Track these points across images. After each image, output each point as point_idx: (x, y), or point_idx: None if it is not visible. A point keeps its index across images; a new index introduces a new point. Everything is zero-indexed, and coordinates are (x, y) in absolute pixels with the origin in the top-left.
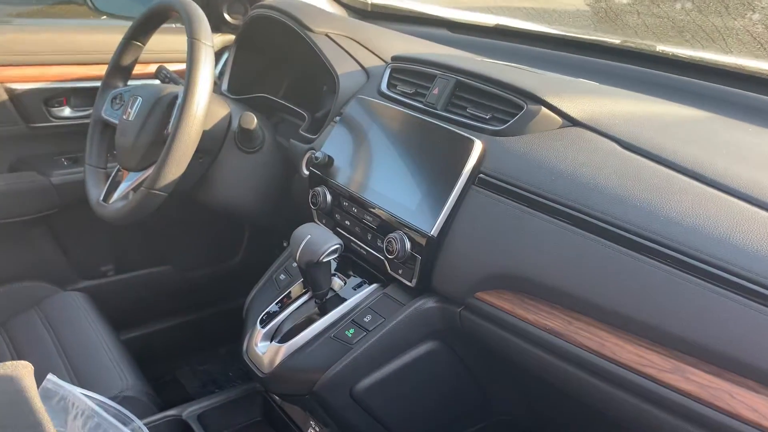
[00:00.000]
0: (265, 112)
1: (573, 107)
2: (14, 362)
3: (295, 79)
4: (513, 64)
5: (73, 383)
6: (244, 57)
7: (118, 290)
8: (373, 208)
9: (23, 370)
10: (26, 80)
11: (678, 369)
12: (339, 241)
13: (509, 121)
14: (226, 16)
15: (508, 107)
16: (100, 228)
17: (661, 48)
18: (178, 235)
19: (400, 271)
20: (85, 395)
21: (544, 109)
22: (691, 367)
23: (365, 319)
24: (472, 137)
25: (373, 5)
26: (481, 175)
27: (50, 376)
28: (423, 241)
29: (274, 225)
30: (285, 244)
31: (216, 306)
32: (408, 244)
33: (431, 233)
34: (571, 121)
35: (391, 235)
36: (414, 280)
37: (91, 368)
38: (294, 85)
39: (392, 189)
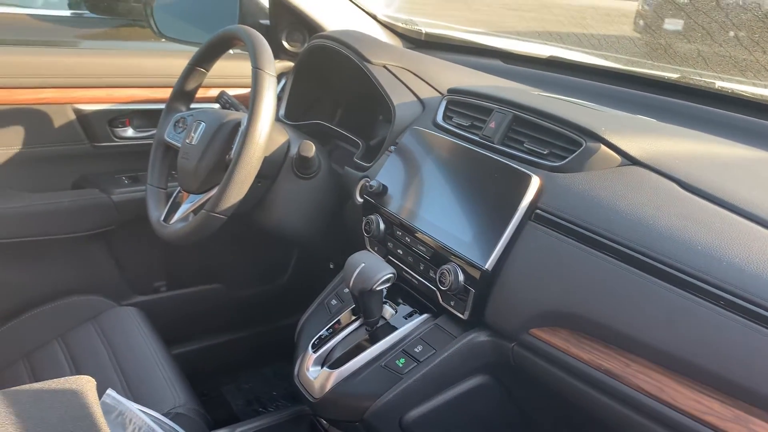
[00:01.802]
0: (320, 138)
1: (632, 146)
2: (78, 376)
3: (350, 107)
4: (570, 99)
5: (127, 397)
6: (301, 84)
7: (169, 306)
8: (427, 239)
9: (87, 384)
10: (93, 101)
11: (740, 418)
12: (392, 270)
13: (567, 157)
14: (285, 44)
15: (566, 143)
16: (154, 245)
17: (721, 85)
18: (228, 255)
19: (452, 303)
20: (142, 411)
21: (603, 147)
22: (753, 417)
23: (416, 350)
24: (529, 172)
25: (427, 35)
26: (538, 210)
27: (110, 391)
28: (477, 275)
29: (325, 249)
30: (331, 266)
31: (262, 325)
32: (461, 277)
33: (486, 267)
34: (630, 160)
35: (444, 266)
36: (466, 313)
37: (145, 383)
38: (348, 113)
39: (446, 220)
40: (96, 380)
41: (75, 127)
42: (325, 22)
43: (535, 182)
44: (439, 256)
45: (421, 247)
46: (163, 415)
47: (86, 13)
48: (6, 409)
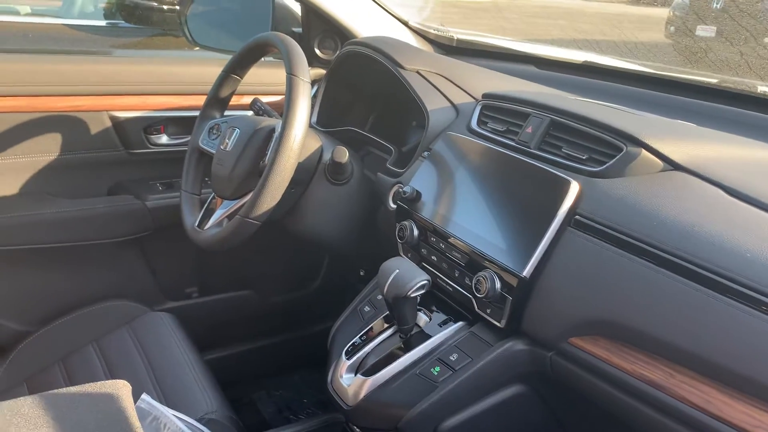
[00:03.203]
0: (353, 144)
1: (675, 150)
2: (114, 381)
3: (382, 113)
4: (608, 104)
5: (161, 402)
6: (334, 91)
7: (201, 312)
8: (462, 245)
9: (122, 389)
10: (128, 109)
11: None
12: (427, 276)
13: (607, 162)
14: (317, 51)
15: (606, 148)
16: (187, 251)
17: (764, 89)
18: (259, 261)
19: (488, 311)
20: (176, 416)
21: (644, 152)
22: None
23: (451, 358)
24: (568, 177)
25: (458, 41)
26: (578, 216)
27: (144, 396)
28: (515, 282)
29: (358, 255)
30: (361, 273)
31: (293, 331)
32: (498, 284)
33: (524, 274)
34: (672, 165)
35: (480, 273)
36: (503, 321)
37: (178, 388)
38: (380, 119)
39: (482, 226)
40: (130, 385)
41: (111, 134)
42: (357, 29)
43: (574, 188)
44: (475, 262)
45: (456, 254)
46: (196, 420)
47: (121, 22)
48: (43, 413)
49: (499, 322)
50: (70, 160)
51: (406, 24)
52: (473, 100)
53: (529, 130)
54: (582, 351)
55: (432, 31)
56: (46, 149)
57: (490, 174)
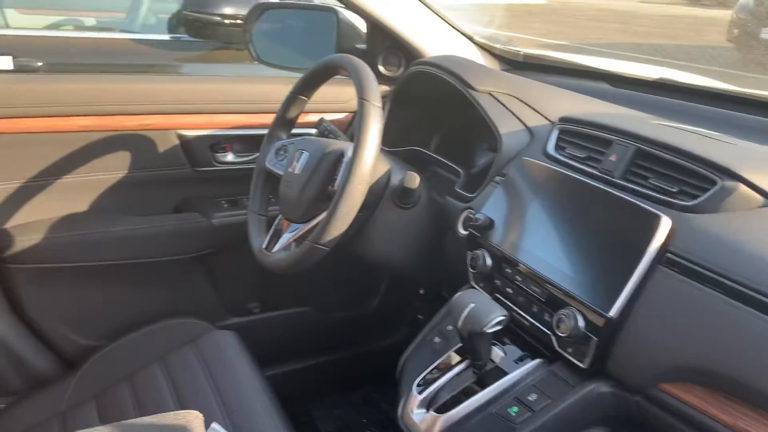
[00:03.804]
0: (417, 165)
1: None
2: (186, 412)
3: (448, 133)
4: (697, 129)
5: (226, 426)
6: (399, 110)
7: (262, 328)
8: (542, 280)
9: (195, 421)
10: (195, 127)
11: None
12: (504, 312)
13: (701, 196)
14: (381, 68)
15: (698, 181)
16: (249, 267)
17: None
18: (318, 278)
19: (569, 350)
20: None
21: (742, 187)
22: None
23: (529, 398)
24: (658, 212)
25: (525, 56)
26: (670, 254)
27: (214, 425)
28: (600, 322)
29: (423, 279)
30: (421, 291)
31: (352, 349)
32: (582, 323)
33: (611, 314)
34: None
35: (562, 311)
36: (587, 361)
37: (244, 413)
38: (445, 138)
39: (563, 260)
40: (195, 406)
41: (178, 152)
42: (422, 46)
43: (665, 223)
44: (556, 299)
45: (534, 288)
46: None
47: (184, 36)
48: None
49: (581, 362)
50: (139, 177)
51: (471, 39)
52: (548, 123)
53: (612, 158)
54: (674, 398)
55: (498, 45)
56: (115, 167)
57: (571, 203)
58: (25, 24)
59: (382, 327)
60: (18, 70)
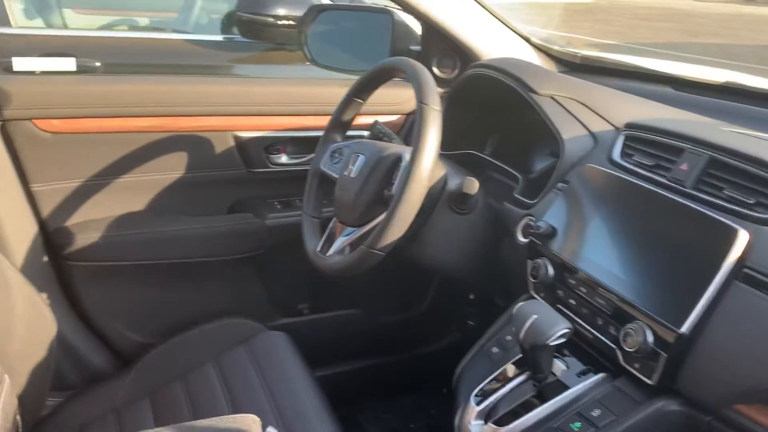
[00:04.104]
0: (472, 169)
1: None
2: (244, 416)
3: (505, 137)
4: None
5: (279, 428)
6: (454, 112)
7: (311, 329)
8: (608, 292)
9: (252, 424)
10: (251, 129)
11: None
12: (568, 324)
13: None
14: (435, 71)
15: None
16: (300, 268)
17: None
18: (368, 281)
19: (636, 365)
20: None
21: None
22: None
23: (593, 414)
24: (734, 225)
25: (583, 58)
26: (747, 270)
27: (270, 429)
28: (671, 338)
29: (476, 285)
30: (471, 297)
31: (400, 353)
32: (651, 338)
33: (682, 330)
34: None
35: (629, 325)
36: (655, 378)
37: (296, 415)
38: (502, 142)
39: (630, 272)
40: (248, 406)
41: (234, 153)
42: (478, 48)
43: (743, 237)
44: (623, 312)
45: (599, 300)
46: None
47: (237, 37)
48: None
49: (649, 378)
50: (195, 178)
51: (527, 40)
52: (613, 128)
53: (683, 167)
54: (750, 420)
55: (555, 47)
56: (172, 167)
57: (638, 213)
58: (82, 24)
59: (431, 331)
60: (79, 70)
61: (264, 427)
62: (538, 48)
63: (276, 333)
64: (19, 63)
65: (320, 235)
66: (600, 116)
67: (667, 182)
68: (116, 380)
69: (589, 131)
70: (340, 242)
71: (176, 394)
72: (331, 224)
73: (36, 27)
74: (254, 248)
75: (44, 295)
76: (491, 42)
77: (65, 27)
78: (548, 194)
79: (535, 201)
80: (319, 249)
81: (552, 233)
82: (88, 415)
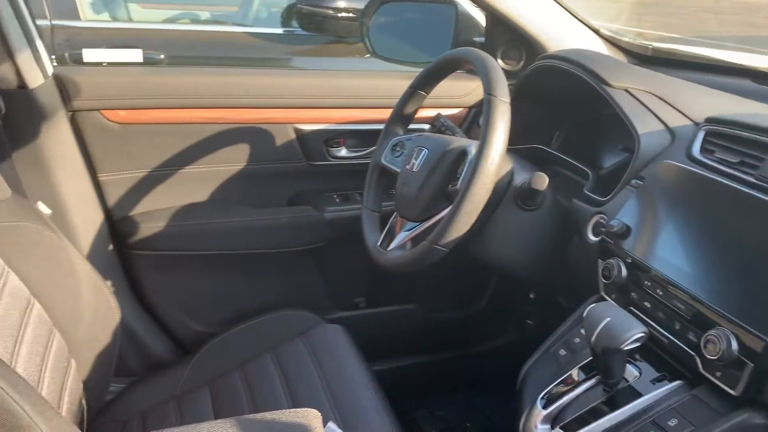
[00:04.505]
0: (538, 163)
1: None
2: (305, 410)
3: (573, 131)
4: None
5: (337, 422)
6: (520, 105)
7: (367, 323)
8: (687, 296)
9: (314, 420)
10: (311, 121)
11: None
12: (644, 329)
13: None
14: (500, 62)
15: None
16: (357, 262)
17: None
18: (426, 276)
19: (717, 374)
20: None
21: None
22: None
23: (669, 423)
24: None
25: (654, 50)
26: None
27: (330, 425)
28: (759, 347)
29: (540, 284)
30: (531, 296)
31: (456, 350)
32: (735, 346)
33: None
34: None
35: (711, 332)
36: (739, 388)
37: (354, 410)
38: (570, 136)
39: (713, 276)
40: (306, 399)
41: (294, 145)
42: (545, 39)
43: None
44: (704, 317)
45: (678, 304)
46: None
47: (297, 30)
48: None
49: (732, 389)
50: (256, 170)
51: (597, 32)
52: (692, 123)
53: None
54: None
55: (625, 39)
56: (234, 159)
57: (721, 213)
58: (146, 18)
59: (488, 329)
60: (145, 62)
61: (324, 422)
62: (608, 40)
63: (333, 326)
64: (88, 54)
65: (380, 230)
66: (677, 110)
67: (753, 180)
68: (177, 368)
69: (666, 126)
70: (401, 237)
71: (235, 383)
72: (391, 219)
73: (103, 20)
74: (313, 241)
75: (109, 283)
76: (559, 33)
77: (130, 20)
78: (621, 191)
79: (607, 198)
80: (379, 244)
81: (626, 232)
82: (150, 401)
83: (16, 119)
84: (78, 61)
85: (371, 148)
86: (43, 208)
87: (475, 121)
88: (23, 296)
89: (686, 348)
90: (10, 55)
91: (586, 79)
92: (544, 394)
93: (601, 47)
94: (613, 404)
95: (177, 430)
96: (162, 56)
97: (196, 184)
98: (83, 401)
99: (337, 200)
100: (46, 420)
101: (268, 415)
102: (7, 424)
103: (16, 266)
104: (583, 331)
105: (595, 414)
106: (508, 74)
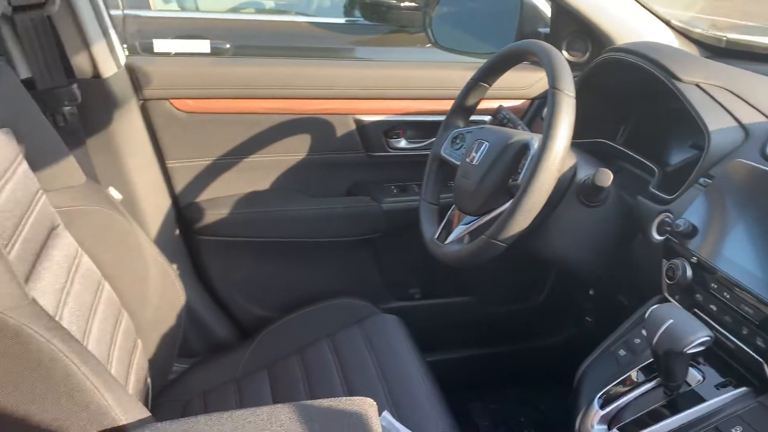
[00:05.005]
0: (602, 159)
1: None
2: (362, 399)
3: (639, 126)
4: None
5: (392, 412)
6: (584, 99)
7: (422, 314)
8: (757, 300)
9: (370, 409)
10: (371, 113)
11: None
12: (709, 332)
13: None
14: (565, 54)
15: None
16: (413, 253)
17: None
18: (483, 269)
19: None
20: None
21: None
22: None
23: (733, 431)
24: None
25: (729, 41)
26: None
27: (386, 414)
28: None
29: (599, 281)
30: (591, 293)
31: (511, 344)
32: None
33: None
34: None
35: None
36: None
37: (407, 397)
38: (636, 131)
39: None
40: (361, 386)
41: (354, 136)
42: (612, 30)
43: None
44: None
45: (746, 308)
46: None
47: (359, 20)
48: (299, 423)
49: None
50: (316, 160)
51: (667, 23)
52: (767, 120)
53: None
54: None
55: (697, 30)
56: (295, 149)
57: None
58: (212, 7)
59: (545, 325)
60: (212, 53)
61: (379, 411)
62: (679, 31)
63: (389, 316)
64: (159, 45)
65: (438, 223)
66: (752, 106)
67: None
68: (237, 351)
69: (739, 123)
70: (458, 231)
71: (293, 368)
72: (449, 212)
73: (171, 10)
74: (370, 231)
75: (175, 267)
76: (627, 24)
77: (197, 10)
78: (689, 190)
79: (674, 196)
80: (436, 236)
81: (692, 232)
82: (211, 382)
83: (91, 108)
84: (148, 50)
85: (430, 140)
86: (115, 194)
87: (538, 113)
88: (95, 278)
89: (754, 354)
90: (86, 45)
91: (655, 72)
92: (602, 394)
93: (671, 39)
94: (673, 408)
95: (238, 413)
96: (227, 46)
97: (258, 173)
98: (148, 380)
99: (395, 191)
100: (115, 397)
101: (326, 402)
102: (78, 400)
103: (88, 249)
104: (644, 332)
105: (654, 417)
106: (573, 66)
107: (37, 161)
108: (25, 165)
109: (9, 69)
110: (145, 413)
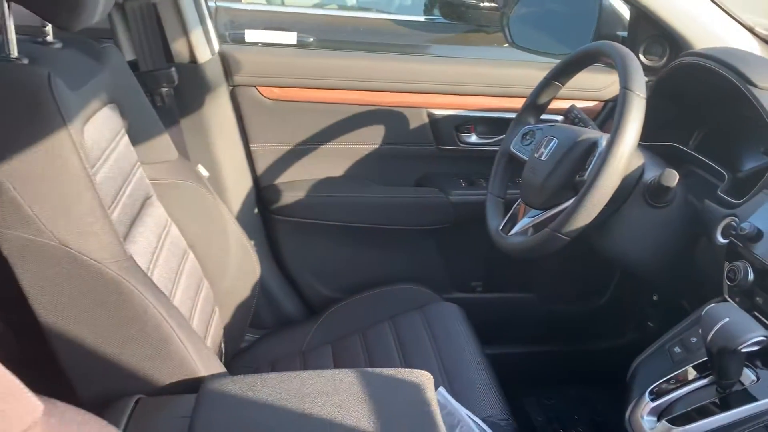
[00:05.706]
0: (672, 162)
1: None
2: (420, 372)
3: (713, 131)
4: None
5: (447, 391)
6: (658, 102)
7: (483, 307)
8: None
9: (427, 381)
10: (444, 107)
11: None
12: (765, 332)
13: None
14: (642, 58)
15: None
16: (478, 246)
17: None
18: (546, 267)
19: None
20: (468, 415)
21: None
22: None
23: None
24: None
25: None
26: None
27: (441, 390)
28: None
29: (662, 284)
30: (654, 297)
31: (570, 344)
32: None
33: None
34: None
35: None
36: None
37: (463, 382)
38: (709, 137)
39: None
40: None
41: (426, 129)
42: (692, 36)
43: None
44: None
45: None
46: (482, 420)
47: (438, 18)
48: (360, 386)
49: None
50: (389, 150)
51: (751, 30)
52: None
53: None
54: None
55: None
56: (371, 139)
57: None
58: (298, 2)
59: (606, 327)
60: (298, 44)
61: (435, 387)
62: (762, 39)
63: (450, 304)
64: (250, 35)
65: (503, 215)
66: None
67: None
68: (304, 326)
69: None
70: (523, 223)
71: (355, 346)
72: (515, 206)
73: (259, 3)
74: (437, 222)
75: (252, 243)
76: (707, 30)
77: (283, 4)
78: (757, 195)
79: (742, 201)
80: (501, 228)
81: (757, 236)
82: (279, 353)
83: (186, 90)
84: (237, 40)
85: (501, 136)
86: (202, 171)
87: (611, 115)
88: (181, 246)
89: None
90: (185, 32)
91: (731, 78)
92: (653, 388)
93: (754, 47)
94: (724, 405)
95: (304, 373)
96: (311, 39)
97: (334, 159)
98: (222, 345)
99: (463, 185)
100: (197, 351)
101: (386, 371)
102: (164, 350)
103: (176, 219)
104: (700, 330)
105: (703, 413)
106: (650, 71)
107: (137, 136)
108: (126, 138)
109: (118, 52)
110: (221, 368)
